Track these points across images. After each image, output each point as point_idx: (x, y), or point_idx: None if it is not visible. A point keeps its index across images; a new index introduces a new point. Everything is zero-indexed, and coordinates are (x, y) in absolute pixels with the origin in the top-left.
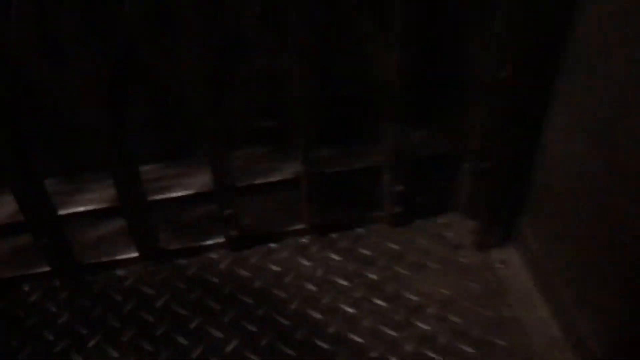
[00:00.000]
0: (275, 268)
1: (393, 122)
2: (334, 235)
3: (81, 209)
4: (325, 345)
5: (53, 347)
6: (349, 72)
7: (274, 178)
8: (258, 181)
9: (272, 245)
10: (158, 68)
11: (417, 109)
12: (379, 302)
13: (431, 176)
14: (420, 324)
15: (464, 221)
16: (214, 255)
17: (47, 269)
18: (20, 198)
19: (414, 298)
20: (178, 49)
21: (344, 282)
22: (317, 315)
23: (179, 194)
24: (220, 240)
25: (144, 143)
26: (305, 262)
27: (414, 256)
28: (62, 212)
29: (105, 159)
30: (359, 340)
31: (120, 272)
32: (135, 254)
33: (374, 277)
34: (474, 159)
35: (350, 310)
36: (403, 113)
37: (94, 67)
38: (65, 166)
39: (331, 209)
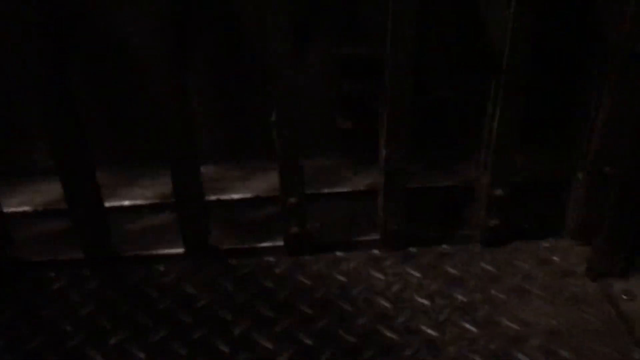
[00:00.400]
0: (341, 278)
1: (493, 127)
2: (413, 250)
3: (126, 202)
4: None
5: (68, 340)
6: (448, 65)
7: (346, 189)
8: (328, 190)
9: (339, 253)
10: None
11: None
12: (469, 327)
13: (535, 191)
14: (521, 356)
15: (573, 246)
16: (270, 258)
17: (78, 256)
18: (68, 185)
19: (513, 326)
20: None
21: (425, 302)
22: (391, 335)
23: (239, 196)
24: (279, 243)
25: (210, 141)
26: (378, 275)
27: (512, 280)
28: (108, 204)
29: (166, 152)
30: None
31: (160, 267)
32: (181, 250)
33: (463, 299)
34: (591, 164)
35: (432, 332)
36: (514, 107)
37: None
38: (123, 158)
39: (412, 220)
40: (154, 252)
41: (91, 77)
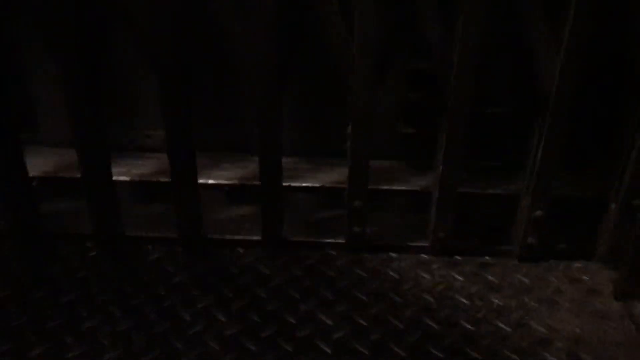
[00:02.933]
0: (393, 275)
1: (543, 147)
2: (458, 258)
3: (211, 181)
4: (439, 354)
5: (163, 301)
6: (509, 86)
7: (405, 187)
8: (386, 187)
9: (393, 254)
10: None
11: (574, 134)
12: (502, 325)
13: (571, 217)
14: (547, 355)
15: (602, 269)
16: (332, 252)
17: (173, 235)
18: (174, 163)
19: (542, 329)
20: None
21: (465, 301)
22: (433, 325)
23: (309, 184)
24: (341, 240)
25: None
26: (426, 276)
27: (543, 291)
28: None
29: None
30: (477, 356)
31: (240, 250)
32: (258, 238)
33: (499, 302)
34: (622, 197)
35: (469, 327)
36: (558, 137)
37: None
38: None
39: (459, 233)
40: (236, 237)
41: (203, 78)
